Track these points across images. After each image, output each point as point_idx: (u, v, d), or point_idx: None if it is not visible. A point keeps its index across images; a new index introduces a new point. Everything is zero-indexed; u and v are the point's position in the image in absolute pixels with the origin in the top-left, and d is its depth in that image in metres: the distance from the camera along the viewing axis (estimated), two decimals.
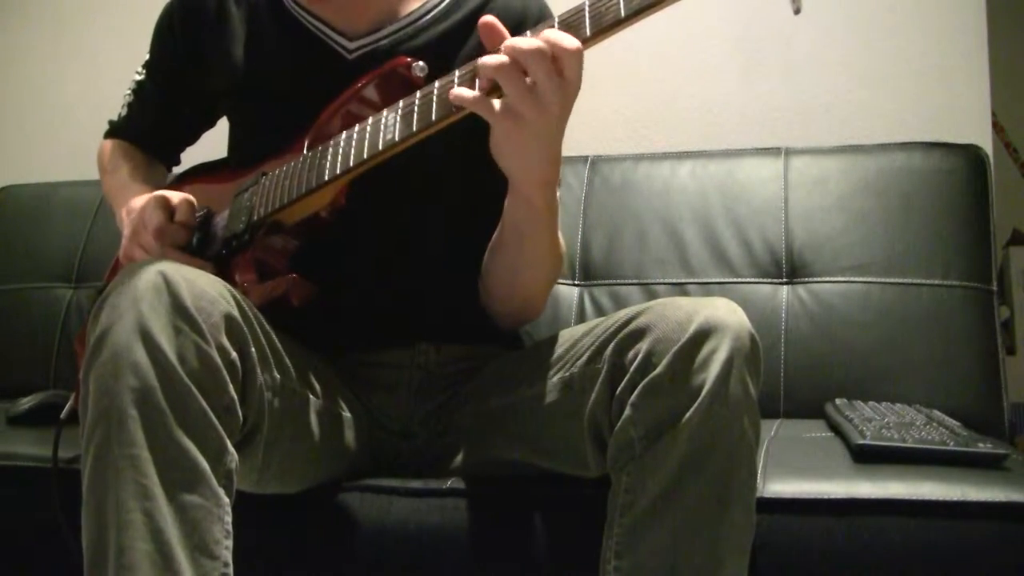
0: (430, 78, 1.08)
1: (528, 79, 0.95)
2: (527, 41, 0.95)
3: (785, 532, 1.03)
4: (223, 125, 1.40)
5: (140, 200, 1.24)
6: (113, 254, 1.38)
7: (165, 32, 1.35)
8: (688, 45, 1.90)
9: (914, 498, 1.01)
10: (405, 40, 1.24)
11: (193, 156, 1.47)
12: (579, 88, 0.98)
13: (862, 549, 1.01)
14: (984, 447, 1.09)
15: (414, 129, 1.04)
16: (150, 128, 1.43)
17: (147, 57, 1.40)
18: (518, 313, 1.26)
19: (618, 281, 1.66)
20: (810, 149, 1.69)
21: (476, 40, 1.21)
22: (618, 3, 0.93)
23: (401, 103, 1.07)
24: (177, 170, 1.49)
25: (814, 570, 1.02)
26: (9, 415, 1.49)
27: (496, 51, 0.98)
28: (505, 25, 1.00)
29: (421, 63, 1.13)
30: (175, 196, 1.23)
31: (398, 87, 1.13)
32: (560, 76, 0.95)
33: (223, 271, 1.13)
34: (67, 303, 1.91)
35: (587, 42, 0.95)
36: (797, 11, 0.94)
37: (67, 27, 2.29)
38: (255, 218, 1.16)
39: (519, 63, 0.95)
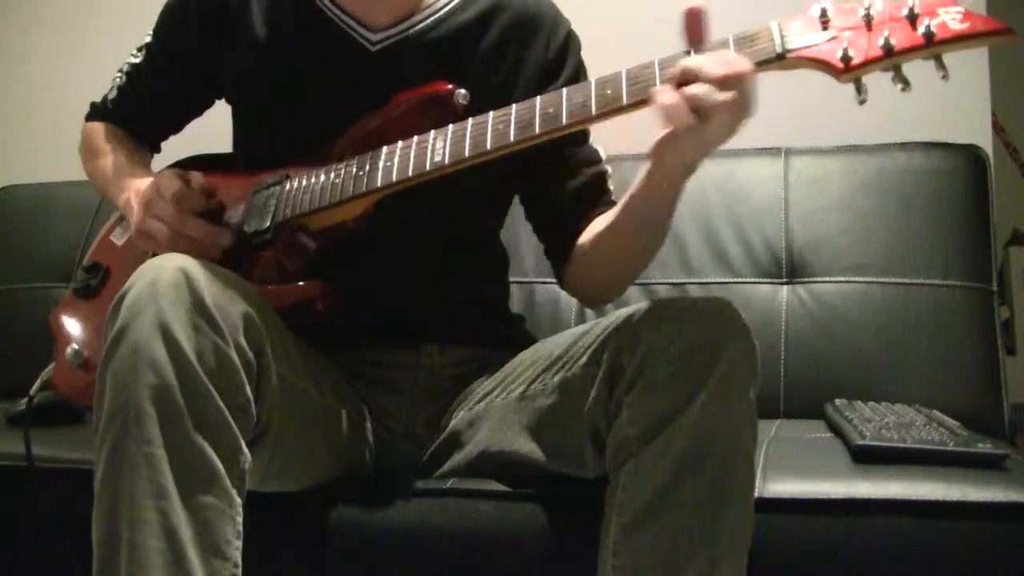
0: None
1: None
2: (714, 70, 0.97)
3: (785, 532, 1.03)
4: (208, 115, 1.37)
5: (148, 179, 1.21)
6: None
7: (178, 15, 1.31)
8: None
9: (914, 498, 1.01)
10: (427, 31, 1.23)
11: (176, 145, 1.44)
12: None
13: (862, 549, 1.01)
14: (984, 447, 1.09)
15: (466, 155, 1.05)
16: (140, 112, 1.39)
17: (147, 39, 1.36)
18: (616, 291, 1.31)
19: None
20: (810, 149, 1.69)
21: (493, 36, 1.23)
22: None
23: (451, 128, 1.08)
24: (160, 158, 1.43)
25: (814, 570, 1.02)
26: (9, 415, 1.48)
27: (697, 42, 1.01)
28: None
29: (463, 91, 1.13)
30: (188, 171, 1.21)
31: (437, 111, 1.14)
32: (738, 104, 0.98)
33: (240, 265, 1.12)
34: None
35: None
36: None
37: (67, 27, 2.29)
38: (280, 218, 1.16)
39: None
